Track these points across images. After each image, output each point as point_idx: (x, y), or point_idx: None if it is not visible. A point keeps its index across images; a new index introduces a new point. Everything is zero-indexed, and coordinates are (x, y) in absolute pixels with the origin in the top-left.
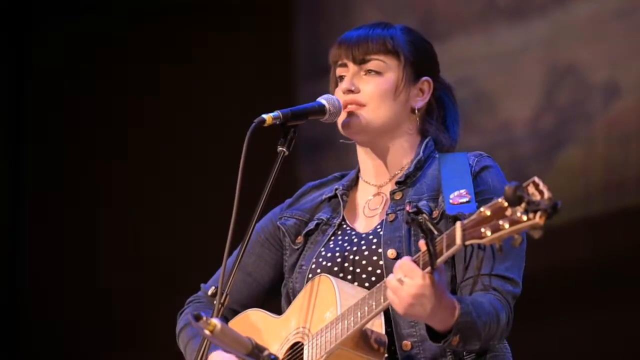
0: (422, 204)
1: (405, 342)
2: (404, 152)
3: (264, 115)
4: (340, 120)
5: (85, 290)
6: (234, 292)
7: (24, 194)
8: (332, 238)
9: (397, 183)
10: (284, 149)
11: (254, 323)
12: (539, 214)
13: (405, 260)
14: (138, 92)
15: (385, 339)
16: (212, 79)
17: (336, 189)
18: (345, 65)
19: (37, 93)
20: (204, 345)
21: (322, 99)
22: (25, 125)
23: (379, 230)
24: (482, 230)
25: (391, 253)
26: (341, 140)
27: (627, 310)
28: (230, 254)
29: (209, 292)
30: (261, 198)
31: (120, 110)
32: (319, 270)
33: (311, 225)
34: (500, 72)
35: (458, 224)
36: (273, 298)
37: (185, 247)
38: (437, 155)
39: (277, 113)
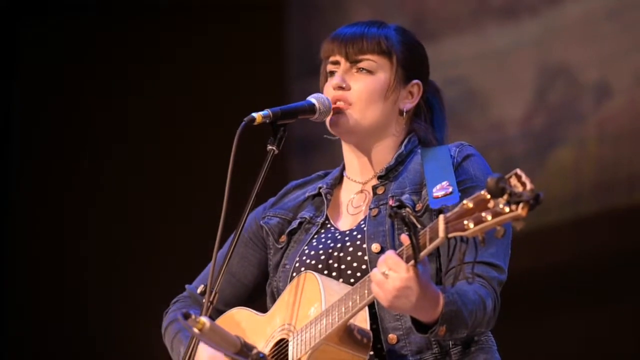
0: (405, 197)
1: (390, 335)
2: (389, 151)
3: (253, 114)
4: (328, 117)
5: (61, 291)
6: (218, 292)
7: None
8: (316, 237)
9: (379, 177)
10: (274, 148)
11: (239, 321)
12: (521, 205)
13: (389, 253)
14: (138, 92)
15: (370, 333)
16: (201, 79)
17: (320, 188)
18: (337, 60)
19: (35, 93)
20: (192, 344)
21: (312, 98)
22: (22, 126)
23: (362, 226)
24: (465, 222)
25: (375, 247)
26: (325, 136)
27: (616, 309)
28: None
29: (198, 291)
30: (250, 197)
31: (120, 110)
32: (302, 269)
33: (294, 224)
34: (491, 72)
35: (441, 217)
36: (258, 297)
37: (170, 248)
38: (419, 150)
39: (267, 112)
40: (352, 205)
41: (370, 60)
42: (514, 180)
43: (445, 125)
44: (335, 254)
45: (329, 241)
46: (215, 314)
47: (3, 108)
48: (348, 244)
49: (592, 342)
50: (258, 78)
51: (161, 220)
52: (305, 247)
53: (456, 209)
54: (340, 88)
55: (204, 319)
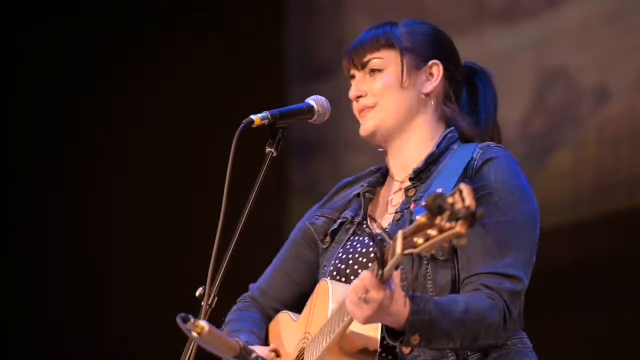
0: None
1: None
2: (425, 145)
3: (252, 117)
4: (360, 129)
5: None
6: (274, 292)
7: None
8: (351, 238)
9: (410, 180)
10: (273, 150)
11: (282, 327)
12: (459, 222)
13: (367, 275)
14: (138, 92)
15: (377, 343)
16: (202, 81)
17: (362, 186)
18: (353, 75)
19: (34, 94)
20: (190, 349)
21: (311, 100)
22: (21, 126)
23: (387, 230)
24: (416, 239)
25: None
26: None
27: (616, 313)
28: (218, 255)
29: (197, 294)
30: (249, 200)
31: (120, 110)
32: (335, 273)
33: (336, 225)
34: None
35: (400, 233)
36: None
37: (169, 249)
38: (456, 147)
39: (265, 114)
40: (391, 205)
41: (375, 58)
42: (456, 197)
43: (492, 108)
44: (361, 259)
45: (358, 245)
46: (274, 314)
47: (2, 108)
48: (371, 249)
49: (591, 345)
50: (257, 81)
51: (161, 221)
52: (341, 250)
53: (412, 225)
54: (358, 97)
55: (203, 323)
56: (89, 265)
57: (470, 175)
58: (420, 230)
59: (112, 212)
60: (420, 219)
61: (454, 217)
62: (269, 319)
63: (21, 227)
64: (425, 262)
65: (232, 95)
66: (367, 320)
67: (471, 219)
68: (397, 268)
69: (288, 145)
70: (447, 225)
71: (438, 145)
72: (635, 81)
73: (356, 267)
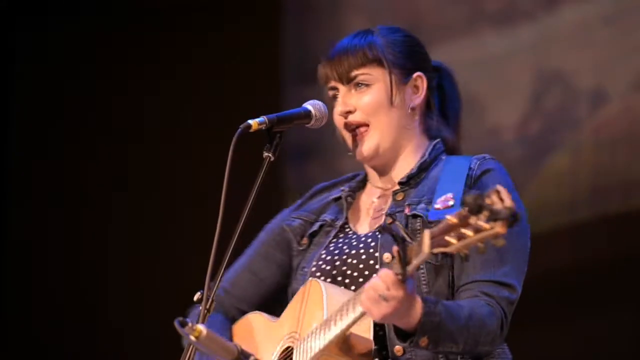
0: (421, 207)
1: (397, 347)
2: (411, 156)
3: (249, 121)
4: (352, 147)
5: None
6: (239, 291)
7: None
8: (334, 240)
9: (400, 183)
10: (270, 155)
11: (254, 327)
12: (499, 222)
13: (388, 272)
14: (138, 92)
15: (372, 343)
16: (198, 85)
17: (342, 190)
18: (334, 86)
19: (34, 94)
20: (189, 353)
21: (308, 105)
22: (21, 126)
23: (377, 233)
24: (447, 238)
25: (387, 257)
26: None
27: (613, 316)
28: (216, 260)
29: (195, 298)
30: (247, 204)
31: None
32: (318, 274)
33: (315, 227)
34: (487, 78)
35: (426, 232)
36: (282, 299)
37: (168, 251)
38: (444, 157)
39: (262, 118)
40: (373, 209)
41: (362, 74)
42: (494, 197)
43: (458, 109)
44: (349, 260)
45: (345, 247)
46: (238, 314)
47: (2, 108)
48: (362, 250)
49: (588, 348)
50: (254, 85)
51: (160, 222)
52: (323, 251)
53: (441, 224)
54: (348, 113)
55: (200, 327)
56: (89, 266)
57: (469, 184)
58: (450, 229)
59: (112, 212)
60: (451, 218)
61: (493, 217)
62: (233, 319)
63: (21, 227)
64: (421, 266)
65: (231, 95)
66: (383, 319)
67: (512, 219)
68: (417, 269)
69: (283, 149)
70: (486, 225)
71: (429, 154)
72: (632, 83)
73: (344, 268)
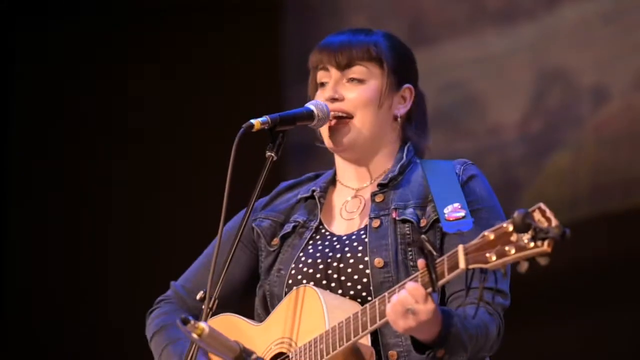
0: (409, 211)
1: (391, 352)
2: (385, 159)
3: (252, 121)
4: (326, 134)
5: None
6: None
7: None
8: (311, 242)
9: (380, 185)
10: (273, 154)
11: (231, 328)
12: (547, 241)
13: (415, 286)
14: (138, 92)
15: (373, 350)
16: (198, 85)
17: (313, 190)
18: (327, 69)
19: (34, 94)
20: (192, 350)
21: (311, 105)
22: (21, 126)
23: (363, 236)
24: (487, 255)
25: (378, 262)
26: (317, 144)
27: (613, 314)
28: (221, 260)
29: (197, 297)
30: (250, 204)
31: (120, 110)
32: (299, 277)
33: (287, 228)
34: (489, 77)
35: (460, 247)
36: (246, 299)
37: (168, 251)
38: (418, 161)
39: (265, 118)
40: (345, 210)
41: (361, 67)
42: (537, 215)
43: (428, 130)
44: (335, 264)
45: (326, 249)
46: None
47: (2, 108)
48: (348, 254)
49: (588, 346)
50: (254, 85)
51: (161, 223)
52: (301, 253)
53: (476, 240)
54: (334, 100)
55: (203, 325)
56: (89, 266)
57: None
58: (489, 246)
59: (112, 212)
60: (489, 235)
61: (541, 236)
62: (196, 319)
63: (21, 227)
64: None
65: (231, 95)
66: (407, 331)
67: (560, 239)
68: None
69: (285, 148)
70: (530, 244)
71: (406, 155)
72: (633, 81)
73: (329, 271)
